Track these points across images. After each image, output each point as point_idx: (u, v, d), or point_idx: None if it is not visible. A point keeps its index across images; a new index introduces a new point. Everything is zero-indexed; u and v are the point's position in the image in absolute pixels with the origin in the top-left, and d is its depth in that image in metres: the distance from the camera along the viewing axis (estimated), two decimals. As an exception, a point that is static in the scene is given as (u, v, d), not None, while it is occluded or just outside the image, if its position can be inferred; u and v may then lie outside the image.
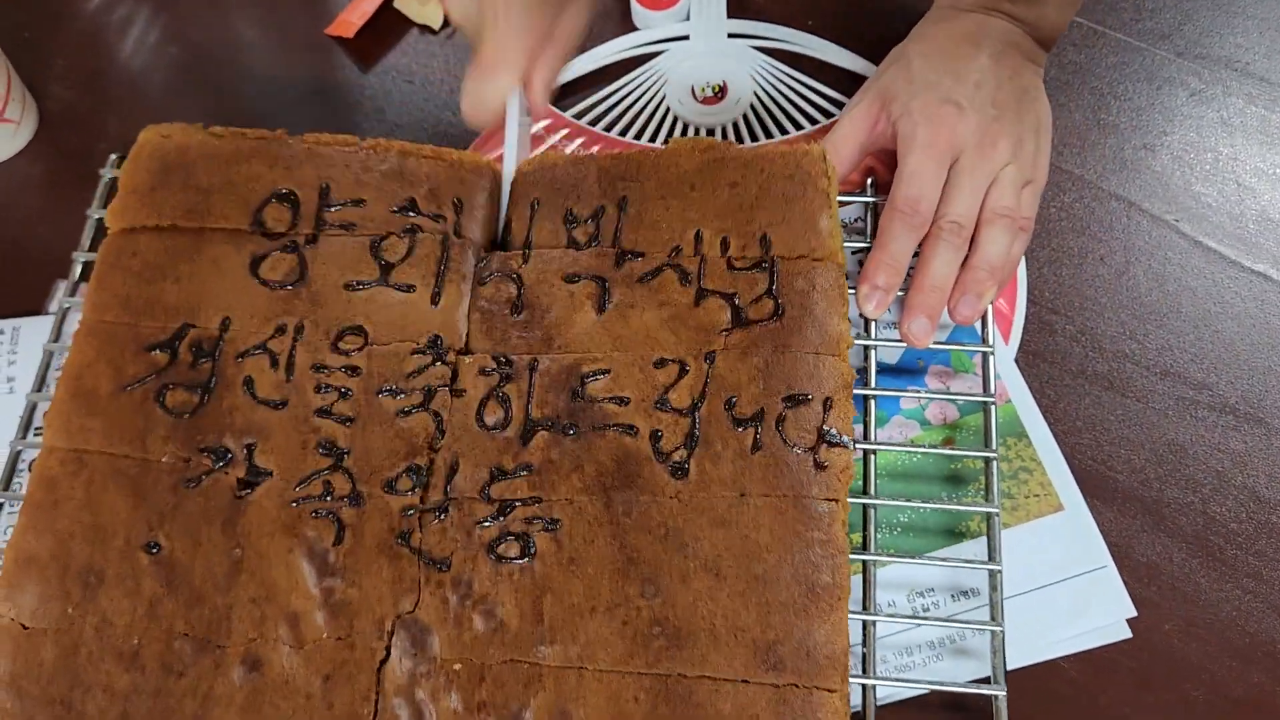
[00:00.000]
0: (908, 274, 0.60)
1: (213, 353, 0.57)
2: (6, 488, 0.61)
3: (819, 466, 0.53)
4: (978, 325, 0.61)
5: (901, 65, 0.65)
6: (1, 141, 0.76)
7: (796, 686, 0.49)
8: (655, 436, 0.54)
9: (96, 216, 0.67)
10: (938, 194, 0.60)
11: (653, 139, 0.74)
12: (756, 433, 0.53)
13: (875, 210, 0.64)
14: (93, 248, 0.66)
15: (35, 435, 0.63)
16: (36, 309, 0.69)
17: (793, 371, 0.54)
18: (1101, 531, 0.60)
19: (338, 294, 0.58)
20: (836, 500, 0.52)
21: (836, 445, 0.53)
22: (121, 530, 0.53)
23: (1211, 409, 0.64)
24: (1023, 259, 0.68)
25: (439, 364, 0.56)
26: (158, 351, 0.57)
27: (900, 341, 0.59)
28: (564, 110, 0.75)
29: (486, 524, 0.52)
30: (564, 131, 0.74)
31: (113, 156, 0.69)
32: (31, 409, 0.63)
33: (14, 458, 0.62)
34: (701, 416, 0.54)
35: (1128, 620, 0.58)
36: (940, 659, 0.57)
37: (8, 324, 0.69)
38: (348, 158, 0.61)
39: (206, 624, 0.52)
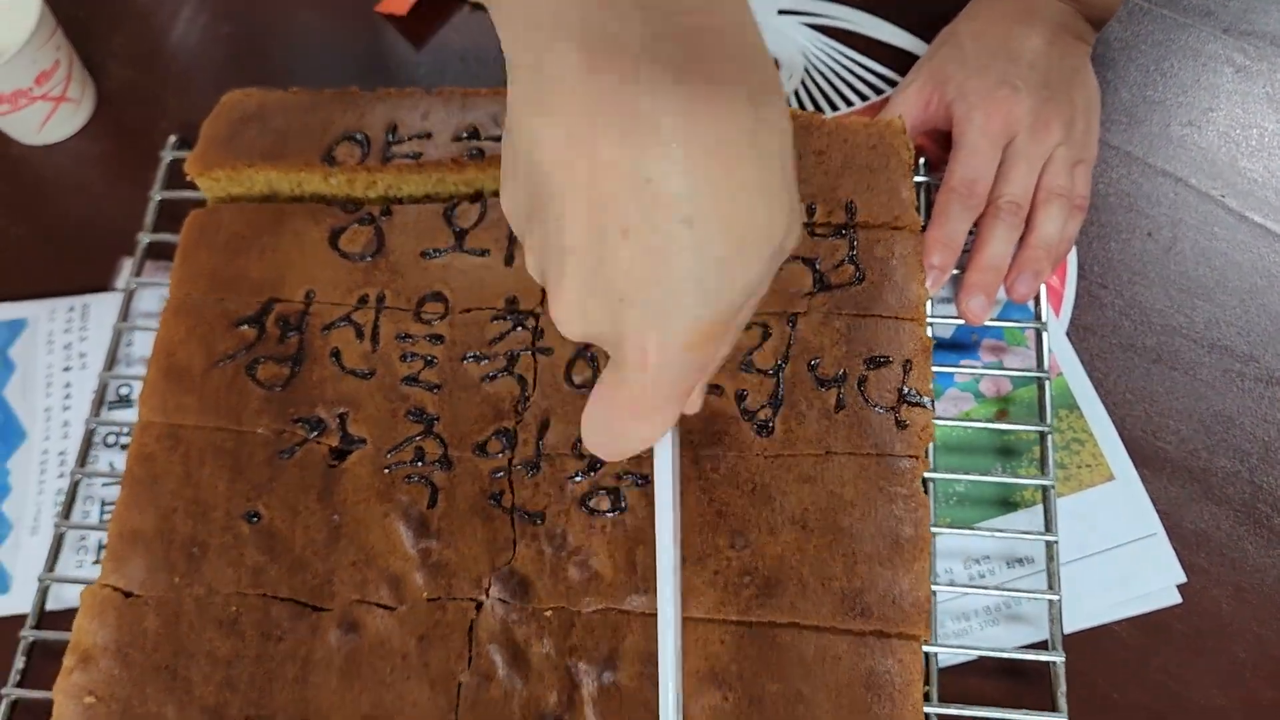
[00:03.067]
0: (962, 252, 0.63)
1: (299, 326, 0.61)
2: (83, 464, 0.64)
3: (900, 425, 0.56)
4: (1030, 302, 0.64)
5: (954, 45, 0.68)
6: (63, 120, 0.77)
7: (881, 634, 0.52)
8: (740, 396, 0.57)
9: (159, 198, 0.71)
10: (993, 174, 0.63)
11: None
12: (839, 393, 0.57)
13: (928, 189, 0.67)
14: (156, 229, 0.70)
15: (110, 411, 0.65)
16: (103, 285, 0.72)
17: (874, 335, 0.58)
18: (1151, 500, 0.63)
19: (415, 263, 0.62)
20: (917, 457, 0.56)
21: (917, 405, 0.57)
22: (221, 502, 0.57)
23: (1258, 380, 0.66)
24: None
25: (519, 329, 0.60)
26: (246, 326, 0.61)
27: (956, 318, 0.63)
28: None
29: (578, 479, 0.56)
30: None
31: (172, 138, 0.73)
32: (103, 388, 0.67)
33: (88, 435, 0.65)
34: (786, 377, 0.58)
35: (1178, 586, 0.61)
36: (996, 624, 0.60)
37: (77, 301, 0.71)
38: (415, 102, 0.66)
39: (310, 589, 0.55)
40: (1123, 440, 0.64)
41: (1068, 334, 0.68)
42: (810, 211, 0.61)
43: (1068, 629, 0.59)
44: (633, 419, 0.38)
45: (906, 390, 0.57)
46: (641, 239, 0.32)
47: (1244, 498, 0.63)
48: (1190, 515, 0.63)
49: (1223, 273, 0.70)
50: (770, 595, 0.53)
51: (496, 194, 0.63)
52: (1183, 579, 0.61)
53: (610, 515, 0.55)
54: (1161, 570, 0.61)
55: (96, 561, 0.62)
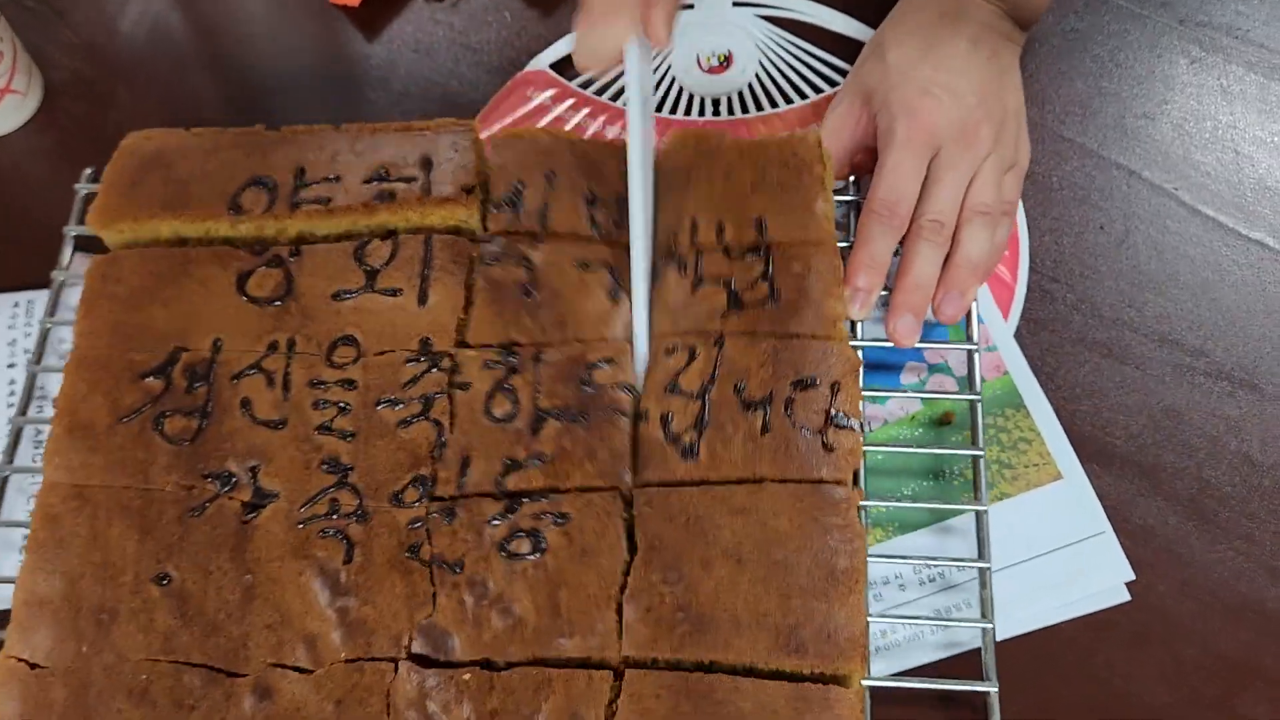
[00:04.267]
0: (890, 272, 0.61)
1: (207, 376, 0.58)
2: (11, 460, 0.63)
3: (827, 448, 0.54)
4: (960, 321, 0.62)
5: (877, 57, 0.65)
6: (8, 113, 0.76)
7: (814, 681, 0.50)
8: (665, 419, 0.55)
9: (74, 234, 0.67)
10: (916, 191, 0.61)
11: (658, 109, 0.74)
12: (765, 415, 0.55)
13: (858, 208, 0.64)
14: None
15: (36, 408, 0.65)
16: (48, 282, 0.70)
17: (801, 357, 0.56)
18: (1099, 496, 0.62)
19: (326, 305, 0.59)
20: (847, 483, 0.54)
21: (844, 428, 0.55)
22: (130, 565, 0.54)
23: (1208, 375, 0.66)
24: (1024, 228, 0.69)
25: (435, 370, 0.57)
26: (151, 379, 0.58)
27: (886, 341, 0.60)
28: (569, 80, 0.75)
29: (496, 522, 0.54)
30: (570, 101, 0.74)
31: (87, 171, 0.69)
32: (31, 380, 0.64)
33: (16, 433, 0.63)
34: (712, 400, 0.55)
35: (1126, 584, 0.60)
36: (932, 633, 0.59)
37: (22, 297, 0.70)
38: (322, 141, 0.63)
39: (224, 654, 0.52)
40: (1071, 436, 0.63)
41: (1019, 328, 0.67)
42: (719, 232, 0.59)
43: (1015, 632, 0.59)
44: (603, 18, 0.51)
45: (834, 413, 0.55)
46: None
47: (1191, 493, 0.62)
48: (1138, 511, 0.62)
49: (1174, 267, 0.69)
50: (704, 632, 0.51)
51: (410, 231, 0.61)
52: (1131, 576, 0.60)
53: (530, 558, 0.53)
54: (1110, 569, 0.60)
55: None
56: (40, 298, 0.69)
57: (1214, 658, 0.59)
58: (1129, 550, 0.60)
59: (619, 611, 0.52)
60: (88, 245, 0.67)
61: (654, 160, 0.61)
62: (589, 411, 0.55)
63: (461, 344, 0.58)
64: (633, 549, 0.53)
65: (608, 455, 0.54)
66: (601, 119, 0.74)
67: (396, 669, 0.51)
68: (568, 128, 0.74)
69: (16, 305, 0.70)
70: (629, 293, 0.58)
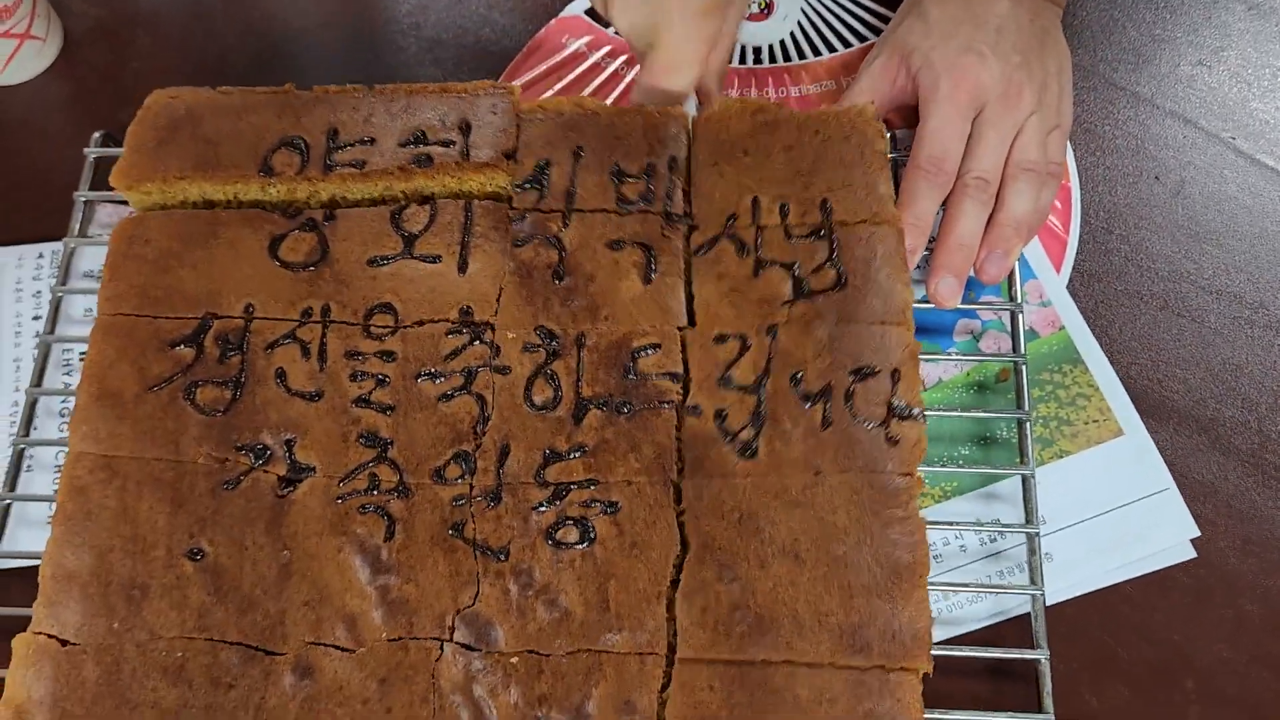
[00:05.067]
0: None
1: (240, 345, 0.54)
2: (27, 433, 0.60)
3: (891, 441, 0.51)
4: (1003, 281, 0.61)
5: (918, 15, 0.62)
6: (27, 60, 0.73)
7: (881, 669, 0.48)
8: (720, 415, 0.52)
9: (84, 199, 0.64)
10: (961, 149, 0.58)
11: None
12: (825, 408, 0.52)
13: (897, 167, 0.61)
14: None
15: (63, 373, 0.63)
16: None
17: (858, 343, 0.53)
18: (1158, 449, 0.60)
19: (362, 271, 0.55)
20: (911, 474, 0.50)
21: (908, 419, 0.51)
22: (162, 539, 0.51)
23: (1267, 328, 0.63)
24: (1076, 178, 0.67)
25: (477, 342, 0.54)
26: (182, 347, 0.54)
27: (927, 302, 0.57)
28: (607, 27, 0.73)
29: (542, 509, 0.50)
30: (607, 48, 0.72)
31: (96, 135, 0.65)
32: (46, 350, 0.62)
33: (31, 405, 0.61)
34: (767, 393, 0.52)
35: (1191, 540, 0.58)
36: (979, 599, 0.57)
37: (47, 248, 0.67)
38: (356, 102, 0.59)
39: (261, 631, 0.50)
40: (1127, 391, 0.61)
41: (1071, 281, 0.64)
42: (783, 212, 0.55)
43: (1077, 591, 0.57)
44: (664, 76, 0.57)
45: (896, 403, 0.51)
46: None
47: (1252, 447, 0.60)
48: (1197, 467, 0.59)
49: (1232, 217, 0.65)
50: (764, 633, 0.48)
51: (447, 197, 0.57)
52: (1196, 533, 0.57)
53: (579, 548, 0.49)
54: (1174, 526, 0.58)
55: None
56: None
57: (1278, 614, 0.56)
58: (1190, 508, 0.58)
59: (669, 607, 0.49)
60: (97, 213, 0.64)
61: (676, 128, 0.58)
62: (632, 401, 0.52)
63: (493, 323, 0.55)
64: (684, 544, 0.50)
65: (652, 449, 0.51)
66: (638, 68, 0.72)
67: (442, 649, 0.48)
68: (603, 75, 0.70)
69: (41, 256, 0.67)
70: (670, 268, 0.55)
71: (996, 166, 0.58)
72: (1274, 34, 0.71)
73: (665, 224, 0.56)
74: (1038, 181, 0.58)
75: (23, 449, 0.59)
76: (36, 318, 0.65)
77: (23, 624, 0.51)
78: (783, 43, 0.72)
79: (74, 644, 0.50)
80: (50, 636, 0.50)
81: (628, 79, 0.71)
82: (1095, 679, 0.55)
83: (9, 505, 0.58)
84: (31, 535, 0.59)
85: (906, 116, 0.63)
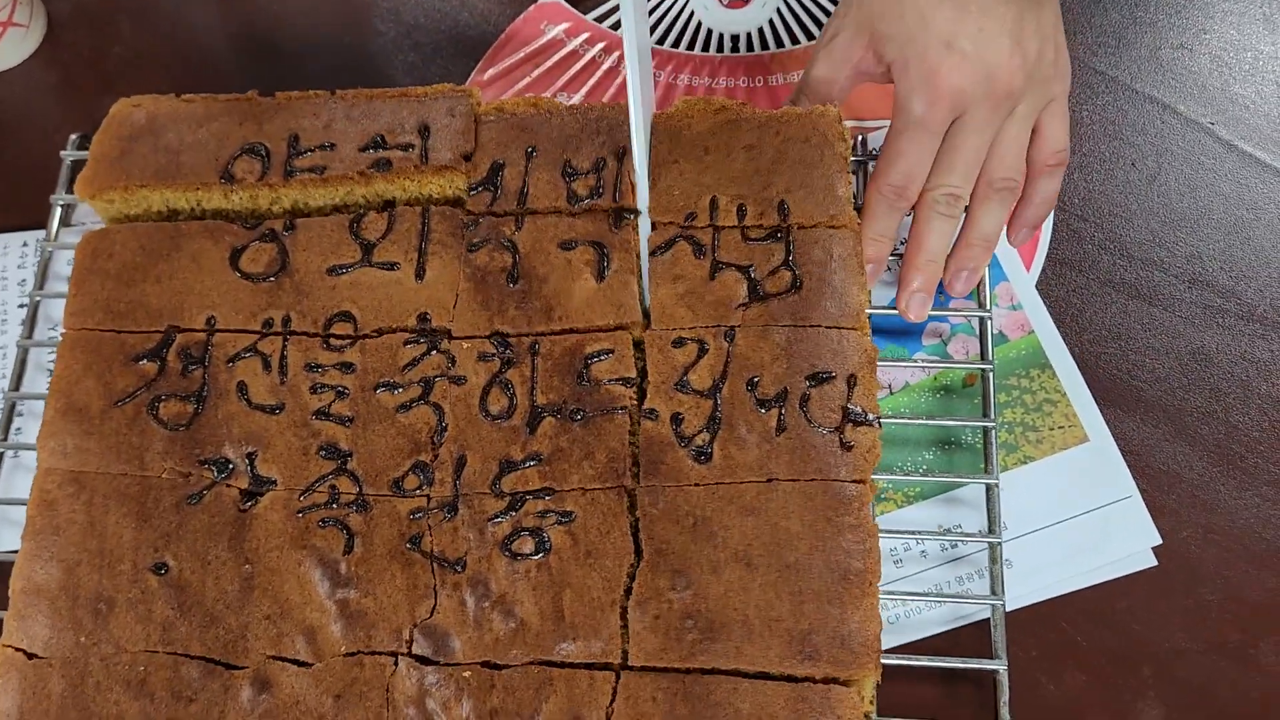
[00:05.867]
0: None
1: (202, 359, 0.55)
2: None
3: (845, 447, 0.51)
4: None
5: None
6: (10, 46, 0.73)
7: (817, 681, 0.48)
8: (676, 420, 0.52)
9: (61, 204, 0.65)
10: (927, 171, 0.56)
11: (675, 45, 0.71)
12: (781, 413, 0.52)
13: (866, 171, 0.61)
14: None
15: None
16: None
17: (815, 348, 0.53)
18: (1124, 441, 0.60)
19: (321, 281, 0.56)
20: (864, 481, 0.51)
21: (863, 424, 0.51)
22: (128, 553, 0.52)
23: (1239, 317, 0.63)
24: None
25: (434, 352, 0.54)
26: (145, 361, 0.55)
27: (893, 309, 0.57)
28: (585, 14, 0.73)
29: (499, 520, 0.51)
30: (585, 35, 0.71)
31: (74, 136, 0.66)
32: (23, 356, 0.63)
33: (10, 409, 0.62)
34: (724, 398, 0.52)
35: (1153, 548, 0.58)
36: (937, 606, 0.57)
37: (31, 236, 0.68)
38: (317, 108, 0.59)
39: (223, 645, 0.50)
40: (1096, 380, 0.61)
41: (1044, 270, 0.64)
42: (741, 213, 0.55)
43: (1042, 597, 0.57)
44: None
45: (851, 408, 0.51)
46: None
47: (1218, 438, 0.60)
48: (1162, 456, 0.60)
49: (1208, 204, 0.65)
50: (714, 640, 0.48)
51: (407, 203, 0.58)
52: (1158, 541, 0.57)
53: (534, 558, 0.50)
54: (1136, 533, 0.58)
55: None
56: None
57: (1237, 603, 0.56)
58: (1151, 496, 0.58)
59: (623, 615, 0.49)
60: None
61: (664, 122, 0.58)
62: (585, 408, 0.52)
63: (451, 334, 0.55)
64: (638, 550, 0.50)
65: (605, 456, 0.52)
66: (616, 54, 0.71)
67: (396, 664, 0.49)
68: (581, 63, 0.70)
69: (25, 245, 0.68)
70: (623, 265, 0.56)
71: (969, 178, 0.56)
72: (1257, 16, 0.70)
73: (613, 224, 0.56)
74: (1009, 201, 0.57)
75: (1, 452, 0.61)
76: (22, 306, 0.66)
77: (-1, 629, 0.52)
78: (761, 30, 0.72)
79: (41, 657, 0.51)
80: (18, 650, 0.51)
81: (605, 66, 0.71)
82: (1053, 666, 0.56)
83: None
84: (13, 534, 0.60)
85: (869, 97, 0.63)
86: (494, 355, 0.54)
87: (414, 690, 0.49)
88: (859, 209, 0.58)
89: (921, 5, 0.55)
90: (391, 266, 0.56)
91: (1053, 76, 0.57)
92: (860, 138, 0.62)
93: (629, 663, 0.49)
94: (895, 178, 0.56)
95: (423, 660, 0.49)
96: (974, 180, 0.57)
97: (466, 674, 0.49)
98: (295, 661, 0.50)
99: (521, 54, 0.71)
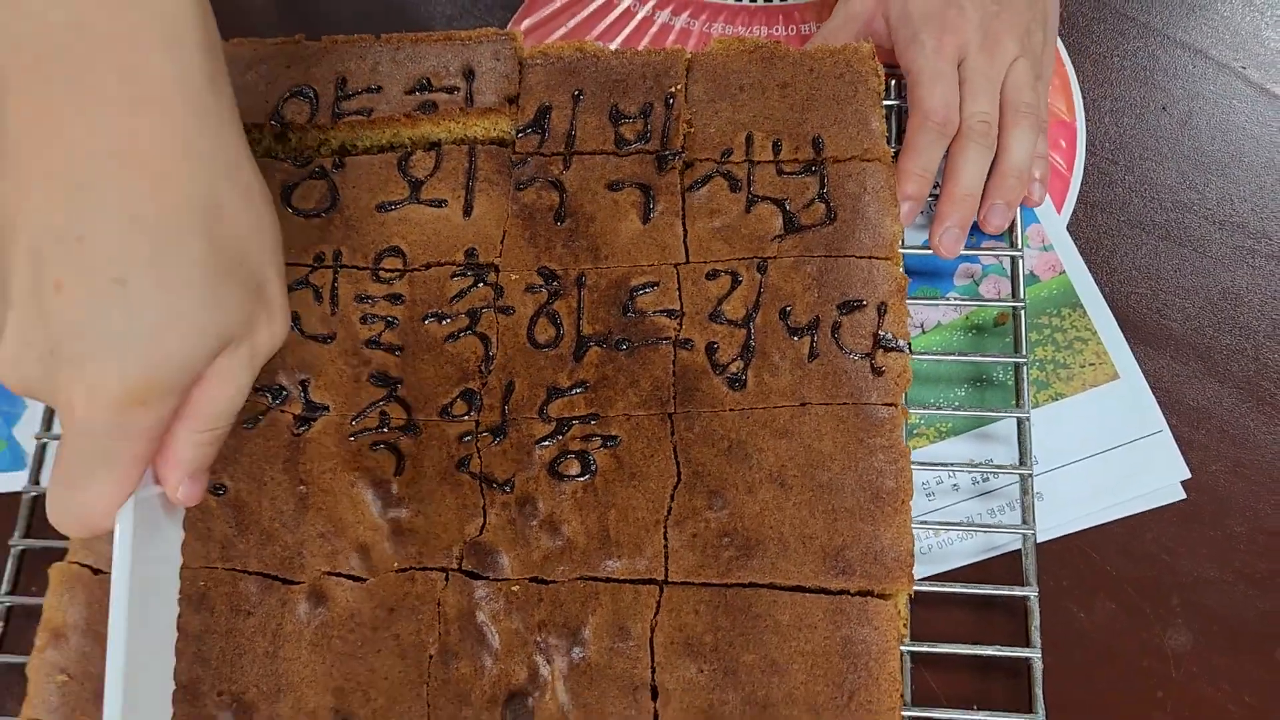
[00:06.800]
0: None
1: None
2: None
3: (876, 372, 0.53)
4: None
5: None
6: None
7: (854, 594, 0.50)
8: (711, 349, 0.54)
9: None
10: (958, 96, 0.58)
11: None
12: (813, 341, 0.53)
13: (899, 114, 0.62)
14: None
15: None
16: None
17: (846, 278, 0.54)
18: (1155, 378, 0.61)
19: (370, 217, 0.58)
20: (895, 404, 0.52)
21: (893, 350, 0.53)
22: None
23: (1269, 258, 0.64)
24: (1081, 109, 0.67)
25: (481, 284, 0.56)
26: None
27: (929, 248, 0.59)
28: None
29: (545, 443, 0.53)
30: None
31: None
32: None
33: None
34: (757, 327, 0.54)
35: (1182, 482, 0.59)
36: (969, 537, 0.58)
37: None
38: (363, 51, 0.61)
39: (279, 562, 0.52)
40: (1127, 319, 0.62)
41: (1075, 211, 0.65)
42: (776, 148, 0.57)
43: (1072, 529, 0.58)
44: (69, 487, 0.37)
45: (882, 334, 0.53)
46: (73, 293, 0.34)
47: (1247, 374, 0.61)
48: (1192, 394, 0.61)
49: (1239, 147, 0.66)
50: (750, 556, 0.50)
51: (454, 143, 0.59)
52: (1187, 475, 0.58)
53: (580, 480, 0.52)
54: (1166, 468, 0.59)
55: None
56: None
57: (1265, 534, 0.58)
58: (1181, 431, 0.59)
59: (666, 534, 0.51)
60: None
61: (675, 66, 0.59)
62: (631, 338, 0.54)
63: (497, 266, 0.57)
64: (676, 474, 0.52)
65: (649, 383, 0.53)
66: (651, 3, 0.71)
67: (447, 579, 0.51)
68: (616, 12, 0.71)
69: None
70: (668, 207, 0.57)
71: (994, 107, 0.58)
72: (1291, -41, 0.70)
73: (659, 165, 0.57)
74: (1036, 125, 0.59)
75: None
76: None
77: (60, 554, 0.55)
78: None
79: (105, 572, 0.53)
80: (84, 565, 0.53)
81: (640, 15, 0.72)
82: (1084, 595, 0.57)
83: (45, 444, 0.61)
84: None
85: (882, 58, 0.63)
86: (541, 287, 0.56)
87: (464, 604, 0.51)
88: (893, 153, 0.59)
89: None
90: (439, 204, 0.58)
91: (1040, 57, 0.61)
92: (893, 81, 0.63)
93: (671, 579, 0.51)
94: (934, 101, 0.58)
95: (472, 575, 0.51)
96: (998, 109, 0.59)
97: (515, 588, 0.51)
98: (350, 576, 0.52)
99: (557, 4, 0.72)
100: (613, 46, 0.69)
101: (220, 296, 0.36)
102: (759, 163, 0.57)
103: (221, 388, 0.39)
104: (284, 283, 0.41)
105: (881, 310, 0.54)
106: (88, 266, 0.34)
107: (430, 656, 0.50)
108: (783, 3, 0.72)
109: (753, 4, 0.72)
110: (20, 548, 0.59)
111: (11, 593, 0.59)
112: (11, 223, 0.35)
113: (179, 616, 0.50)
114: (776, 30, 0.71)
